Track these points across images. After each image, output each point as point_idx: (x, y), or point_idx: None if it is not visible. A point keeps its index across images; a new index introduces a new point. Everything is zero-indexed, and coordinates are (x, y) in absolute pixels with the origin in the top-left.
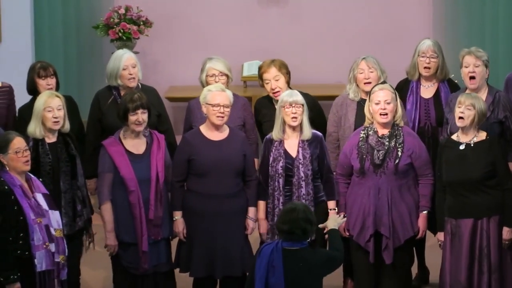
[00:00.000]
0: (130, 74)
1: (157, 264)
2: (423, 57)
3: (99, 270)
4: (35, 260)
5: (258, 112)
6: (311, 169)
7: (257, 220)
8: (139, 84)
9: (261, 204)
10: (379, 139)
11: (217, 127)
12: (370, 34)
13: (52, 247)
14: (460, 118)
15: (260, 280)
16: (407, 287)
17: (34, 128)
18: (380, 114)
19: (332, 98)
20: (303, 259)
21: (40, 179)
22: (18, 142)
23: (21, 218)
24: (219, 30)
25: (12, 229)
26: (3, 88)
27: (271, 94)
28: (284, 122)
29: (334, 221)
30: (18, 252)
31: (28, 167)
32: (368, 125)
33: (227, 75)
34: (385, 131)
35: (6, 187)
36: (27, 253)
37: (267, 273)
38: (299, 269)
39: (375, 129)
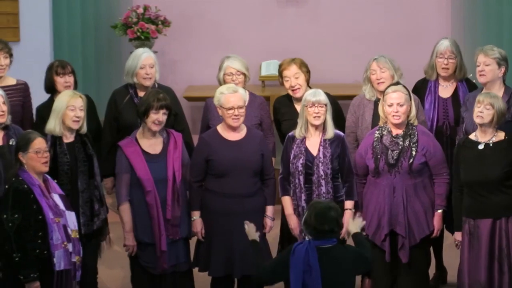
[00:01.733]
0: (147, 74)
1: (176, 264)
2: (441, 58)
3: (116, 269)
4: (54, 259)
5: (278, 111)
6: (330, 168)
7: (274, 218)
8: (156, 84)
9: (287, 199)
10: (393, 139)
11: (234, 128)
12: (388, 33)
13: (70, 247)
14: (478, 116)
15: (297, 280)
16: (424, 287)
17: (53, 125)
18: (393, 116)
19: (350, 97)
20: (337, 256)
21: (55, 180)
22: (39, 143)
23: (40, 217)
24: (237, 30)
25: (31, 228)
26: (18, 85)
27: (290, 92)
28: (307, 121)
29: (355, 225)
30: (37, 251)
31: (46, 169)
32: (382, 125)
33: (244, 74)
34: (399, 131)
35: (25, 186)
36: (45, 252)
37: (303, 273)
38: (334, 266)
39: (389, 129)
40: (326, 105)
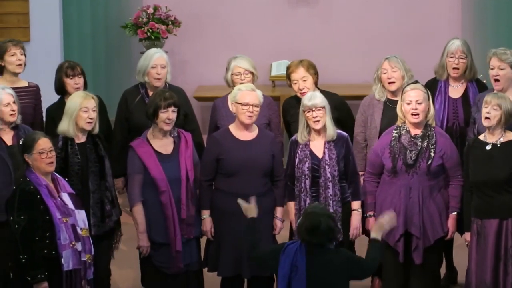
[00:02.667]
0: (158, 74)
1: (189, 263)
2: (451, 57)
3: (128, 269)
4: (62, 260)
5: (287, 112)
6: (337, 170)
7: (284, 220)
8: (167, 84)
9: (291, 205)
10: (412, 139)
11: (246, 127)
12: (399, 34)
13: (79, 246)
14: (486, 118)
15: (283, 279)
16: (435, 287)
17: (67, 126)
18: (412, 114)
19: (360, 98)
20: (326, 259)
21: (67, 179)
22: (43, 143)
23: (47, 217)
24: (248, 30)
25: (38, 229)
26: (29, 87)
27: (298, 94)
28: (307, 125)
29: (379, 228)
30: (45, 251)
31: (51, 168)
32: (400, 125)
33: (252, 73)
34: (418, 131)
35: (32, 187)
36: (53, 252)
37: (290, 272)
38: (322, 269)
39: (408, 129)
40: (323, 107)
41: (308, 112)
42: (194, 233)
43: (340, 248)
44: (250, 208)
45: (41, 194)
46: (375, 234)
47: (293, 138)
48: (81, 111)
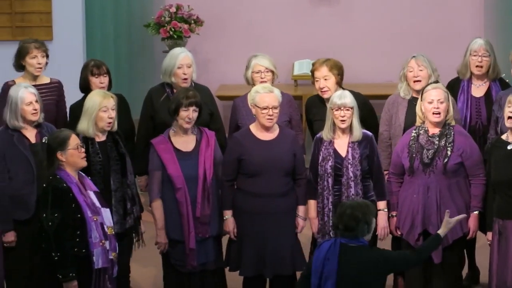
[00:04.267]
0: (184, 74)
1: (205, 262)
2: (475, 56)
3: (149, 267)
4: (93, 258)
5: (309, 110)
6: (360, 169)
7: (306, 218)
8: (192, 83)
9: (312, 203)
10: (429, 138)
11: (268, 127)
12: (421, 33)
13: (107, 245)
14: (510, 118)
15: (315, 273)
16: (457, 287)
17: (87, 126)
18: (433, 113)
19: (383, 97)
20: (359, 256)
21: (90, 178)
22: (75, 138)
23: (79, 215)
24: (270, 29)
25: (70, 227)
26: (52, 84)
27: (319, 92)
28: (334, 123)
29: (446, 226)
30: (75, 249)
31: (86, 163)
32: (419, 125)
33: (272, 72)
34: (436, 130)
35: (64, 185)
36: (84, 250)
37: (322, 267)
38: (354, 264)
39: (426, 129)
40: (352, 108)
41: (336, 110)
42: (210, 232)
43: (376, 247)
44: None
45: (72, 191)
46: (441, 230)
47: (317, 135)
48: (101, 111)
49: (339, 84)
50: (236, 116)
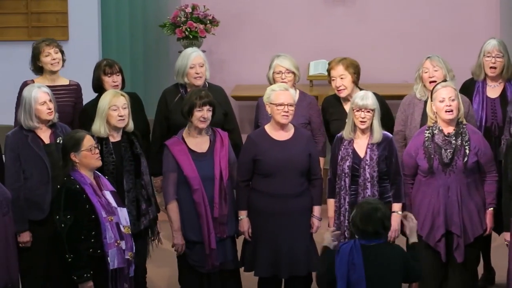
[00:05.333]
0: (197, 73)
1: (223, 262)
2: (488, 57)
3: (164, 268)
4: (108, 258)
5: (326, 110)
6: (377, 171)
7: (322, 219)
8: (207, 83)
9: (331, 202)
10: (446, 138)
11: (282, 127)
12: (436, 33)
13: (123, 245)
14: None
15: (341, 279)
16: (473, 286)
17: (98, 126)
18: (446, 111)
19: (398, 97)
20: (382, 254)
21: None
22: (89, 139)
23: (93, 216)
24: (286, 29)
25: (84, 228)
26: (70, 85)
27: (336, 91)
28: (354, 123)
29: (413, 231)
30: (90, 250)
31: (100, 163)
32: (432, 125)
33: (294, 73)
34: (451, 129)
35: (77, 186)
36: (99, 251)
37: (348, 271)
38: (379, 264)
39: (440, 128)
40: (373, 110)
41: (357, 111)
42: (228, 232)
43: (395, 244)
44: (325, 238)
45: (86, 193)
46: (413, 238)
47: (338, 135)
48: (111, 109)
49: (356, 83)
50: (258, 115)
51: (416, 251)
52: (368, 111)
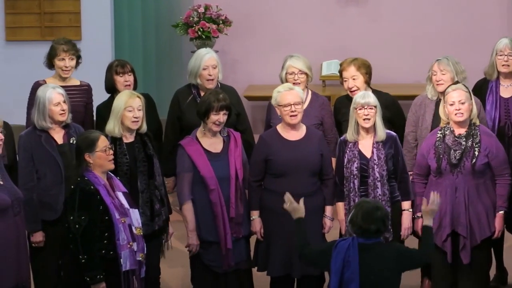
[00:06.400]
0: (210, 75)
1: (238, 262)
2: (501, 55)
3: (178, 268)
4: (121, 260)
5: (338, 111)
6: (386, 170)
7: (334, 219)
8: (219, 84)
9: (340, 205)
10: (456, 139)
11: (294, 127)
12: (448, 34)
13: (135, 246)
14: None
15: (335, 274)
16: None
17: (113, 126)
18: (456, 114)
19: (410, 98)
20: (378, 253)
21: (118, 179)
22: (104, 140)
23: (106, 218)
24: (298, 29)
25: (97, 229)
26: (82, 86)
27: (348, 92)
28: (357, 123)
29: (428, 213)
30: (103, 252)
31: (113, 165)
32: (444, 126)
33: (306, 74)
34: (462, 131)
35: (92, 187)
36: (111, 252)
37: (342, 268)
38: (375, 263)
39: (452, 129)
40: (375, 107)
41: (360, 109)
42: (243, 232)
43: (391, 242)
44: (297, 209)
45: (100, 194)
46: (427, 221)
47: (341, 138)
48: (126, 110)
49: (368, 83)
50: (270, 115)
51: (427, 234)
52: (371, 108)
